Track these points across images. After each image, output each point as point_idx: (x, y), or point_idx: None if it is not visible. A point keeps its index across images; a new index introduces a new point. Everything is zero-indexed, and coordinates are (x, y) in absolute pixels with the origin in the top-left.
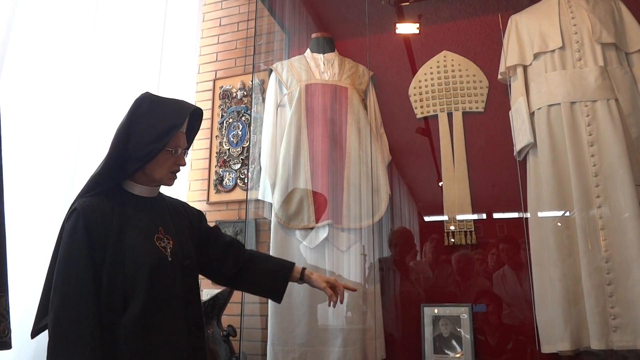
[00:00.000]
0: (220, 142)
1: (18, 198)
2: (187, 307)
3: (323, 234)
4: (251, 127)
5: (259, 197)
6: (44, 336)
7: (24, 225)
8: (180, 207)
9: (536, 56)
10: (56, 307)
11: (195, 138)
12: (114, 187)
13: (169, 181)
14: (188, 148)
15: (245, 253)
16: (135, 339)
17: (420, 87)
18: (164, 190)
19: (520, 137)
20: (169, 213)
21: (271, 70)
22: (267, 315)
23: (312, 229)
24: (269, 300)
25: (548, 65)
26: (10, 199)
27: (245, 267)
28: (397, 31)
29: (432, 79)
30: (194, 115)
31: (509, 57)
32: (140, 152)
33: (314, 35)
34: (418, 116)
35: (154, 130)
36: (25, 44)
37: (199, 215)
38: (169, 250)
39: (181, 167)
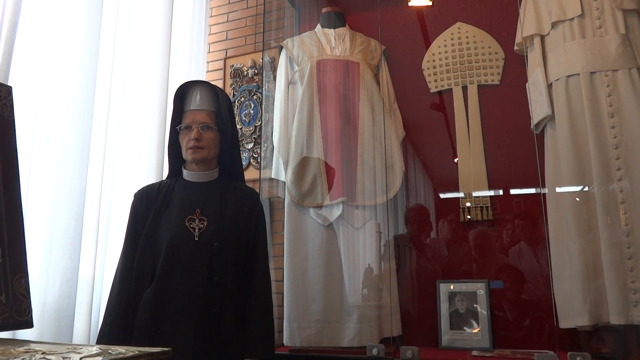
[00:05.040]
0: None
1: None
2: (211, 288)
3: (337, 211)
4: (263, 106)
5: (272, 176)
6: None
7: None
8: (240, 195)
9: (554, 25)
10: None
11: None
12: (179, 172)
13: (190, 156)
14: (210, 126)
15: (249, 308)
16: (147, 311)
17: (434, 61)
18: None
19: (538, 110)
20: (218, 197)
21: (282, 47)
22: (283, 293)
23: (326, 206)
24: (285, 278)
25: (567, 34)
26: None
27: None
28: (410, 3)
29: (446, 52)
30: (205, 91)
31: (526, 27)
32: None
33: (324, 10)
34: (432, 90)
35: (172, 120)
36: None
37: (258, 219)
38: (197, 230)
39: (197, 140)
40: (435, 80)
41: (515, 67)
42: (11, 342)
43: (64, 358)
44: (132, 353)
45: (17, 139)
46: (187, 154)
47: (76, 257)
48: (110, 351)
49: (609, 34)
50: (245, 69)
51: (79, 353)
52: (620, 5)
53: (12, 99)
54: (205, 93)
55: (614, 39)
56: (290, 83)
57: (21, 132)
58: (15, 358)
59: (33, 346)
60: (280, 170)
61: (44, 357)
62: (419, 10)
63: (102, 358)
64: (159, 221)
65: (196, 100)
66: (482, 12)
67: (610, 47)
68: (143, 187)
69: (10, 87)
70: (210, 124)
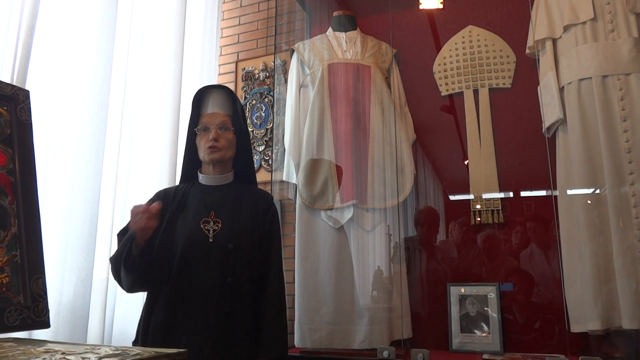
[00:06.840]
0: None
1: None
2: (225, 289)
3: (348, 214)
4: (274, 109)
5: (284, 178)
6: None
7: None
8: (254, 198)
9: (566, 28)
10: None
11: None
12: (194, 176)
13: (208, 156)
14: (228, 127)
15: (263, 308)
16: (162, 311)
17: (445, 64)
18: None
19: (550, 113)
20: (232, 199)
21: (293, 51)
22: (294, 295)
23: (337, 209)
24: (296, 280)
25: (579, 37)
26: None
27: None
28: (421, 7)
29: (457, 55)
30: (222, 95)
31: (538, 30)
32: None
33: (335, 14)
34: (443, 94)
35: (189, 124)
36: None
37: (272, 222)
38: (212, 232)
39: (216, 140)
40: (447, 84)
41: (526, 70)
42: (30, 342)
43: (83, 358)
44: (148, 354)
45: (34, 141)
46: (204, 155)
47: (91, 258)
48: (127, 352)
49: (622, 37)
50: (256, 72)
51: (97, 353)
52: (633, 8)
53: (29, 103)
54: (223, 97)
55: (627, 42)
56: (301, 86)
57: (38, 135)
58: (36, 358)
59: (51, 346)
60: (291, 172)
61: (63, 357)
62: (430, 14)
63: (119, 358)
64: (175, 223)
65: (214, 104)
66: (493, 15)
67: (622, 50)
68: (160, 190)
69: (28, 91)
70: (228, 125)
